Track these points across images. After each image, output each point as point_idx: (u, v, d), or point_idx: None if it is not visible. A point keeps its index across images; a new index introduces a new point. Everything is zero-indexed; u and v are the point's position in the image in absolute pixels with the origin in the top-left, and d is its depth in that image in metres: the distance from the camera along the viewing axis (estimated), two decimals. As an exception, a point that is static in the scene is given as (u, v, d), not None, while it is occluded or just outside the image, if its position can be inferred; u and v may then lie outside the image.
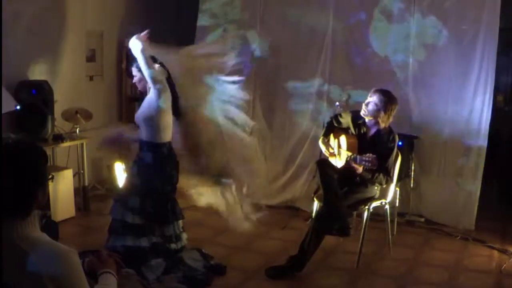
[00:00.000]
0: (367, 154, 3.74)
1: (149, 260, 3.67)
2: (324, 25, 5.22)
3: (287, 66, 5.43)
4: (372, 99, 3.95)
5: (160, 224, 3.75)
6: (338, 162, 4.05)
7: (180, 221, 3.87)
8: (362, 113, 4.01)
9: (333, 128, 4.23)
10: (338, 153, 4.08)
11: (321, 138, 4.21)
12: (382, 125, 3.99)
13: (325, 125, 4.31)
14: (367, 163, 3.71)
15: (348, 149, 3.99)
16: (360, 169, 3.83)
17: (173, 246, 3.80)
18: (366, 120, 4.03)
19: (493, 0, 4.62)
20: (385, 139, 3.98)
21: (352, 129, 4.13)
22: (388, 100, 3.94)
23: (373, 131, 4.04)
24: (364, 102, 4.03)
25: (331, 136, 4.20)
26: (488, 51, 4.69)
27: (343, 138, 4.10)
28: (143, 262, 3.65)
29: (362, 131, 4.08)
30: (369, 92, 4.06)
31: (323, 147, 4.15)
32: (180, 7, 6.78)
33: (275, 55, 5.47)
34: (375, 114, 3.96)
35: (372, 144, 3.99)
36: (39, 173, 1.74)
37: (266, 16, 5.49)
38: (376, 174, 3.89)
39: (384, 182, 3.97)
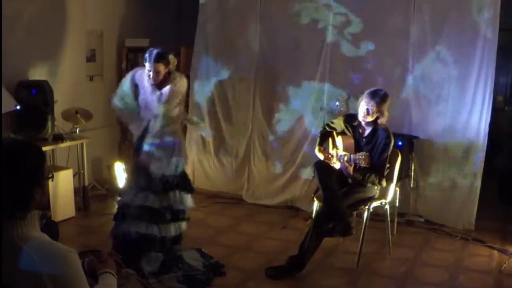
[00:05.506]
0: (360, 153, 3.79)
1: (152, 251, 3.71)
2: (324, 24, 5.22)
3: (287, 66, 5.43)
4: (370, 105, 3.94)
5: (180, 191, 3.84)
6: (337, 164, 4.06)
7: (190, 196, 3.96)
8: (362, 118, 4.00)
9: (327, 135, 4.24)
10: (336, 155, 4.09)
11: (317, 147, 4.20)
12: (381, 125, 4.00)
13: (319, 135, 4.32)
14: (359, 161, 3.76)
15: (345, 150, 4.00)
16: (350, 169, 3.85)
17: (176, 227, 3.85)
18: (362, 122, 4.03)
19: (493, 0, 4.63)
20: (380, 136, 3.98)
21: (347, 131, 4.14)
22: (382, 100, 3.95)
23: (368, 130, 4.05)
24: (359, 108, 4.00)
25: (330, 144, 4.21)
26: (488, 51, 4.69)
27: (339, 140, 4.11)
28: (147, 252, 3.68)
29: (358, 132, 4.09)
30: (364, 95, 4.03)
31: (321, 156, 4.14)
32: (180, 6, 6.79)
33: (275, 54, 5.48)
34: (377, 116, 3.97)
35: (367, 143, 4.01)
36: (35, 172, 1.73)
37: (266, 15, 5.49)
38: (368, 174, 3.89)
39: (376, 181, 3.96)
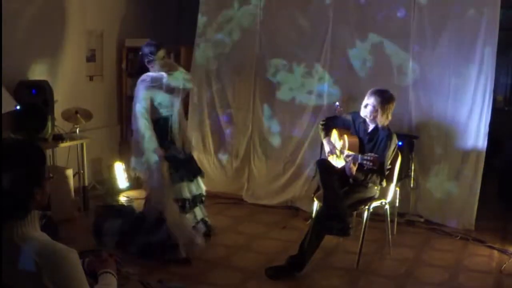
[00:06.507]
0: (369, 154, 3.77)
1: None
2: (324, 24, 5.22)
3: (287, 65, 5.43)
4: (370, 101, 3.96)
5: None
6: (339, 162, 4.06)
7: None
8: (361, 114, 4.03)
9: (331, 127, 4.24)
10: (341, 152, 4.08)
11: (325, 137, 4.23)
12: (380, 125, 4.00)
13: (322, 127, 4.32)
14: (368, 162, 3.71)
15: (350, 149, 3.99)
16: (354, 169, 3.84)
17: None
18: (366, 119, 4.04)
19: (493, 0, 4.63)
20: (381, 135, 3.99)
21: (352, 128, 4.15)
22: (384, 100, 3.96)
23: (371, 127, 4.06)
24: (362, 104, 4.04)
25: (337, 135, 4.21)
26: (488, 51, 4.69)
27: (345, 137, 4.11)
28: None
29: (363, 130, 4.09)
30: (367, 92, 4.07)
31: (327, 147, 4.17)
32: (180, 6, 6.79)
33: (275, 54, 5.48)
34: (374, 115, 3.98)
35: (370, 140, 4.02)
36: (35, 172, 1.73)
37: (266, 15, 5.49)
38: (370, 174, 3.88)
39: (378, 182, 3.96)
